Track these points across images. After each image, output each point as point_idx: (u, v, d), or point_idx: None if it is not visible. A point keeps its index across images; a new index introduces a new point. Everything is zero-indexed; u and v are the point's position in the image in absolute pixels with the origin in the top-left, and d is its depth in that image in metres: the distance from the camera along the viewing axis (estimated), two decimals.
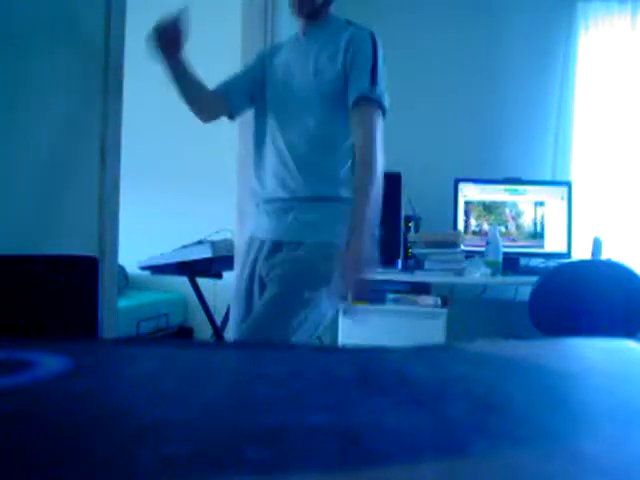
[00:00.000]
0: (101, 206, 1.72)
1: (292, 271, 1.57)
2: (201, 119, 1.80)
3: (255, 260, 1.69)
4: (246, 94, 1.79)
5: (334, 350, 0.76)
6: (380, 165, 1.54)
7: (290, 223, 1.64)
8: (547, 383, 0.56)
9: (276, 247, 1.66)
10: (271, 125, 1.70)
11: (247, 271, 1.71)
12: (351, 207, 1.53)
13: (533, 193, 3.10)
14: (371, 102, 1.58)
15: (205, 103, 1.76)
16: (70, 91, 1.64)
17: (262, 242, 1.69)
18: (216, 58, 3.68)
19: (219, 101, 1.77)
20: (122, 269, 3.53)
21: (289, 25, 2.64)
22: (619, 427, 0.44)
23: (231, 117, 1.82)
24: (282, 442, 0.39)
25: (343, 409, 0.47)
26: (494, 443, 0.40)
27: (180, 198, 3.94)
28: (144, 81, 3.70)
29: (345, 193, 1.64)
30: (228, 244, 2.94)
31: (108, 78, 1.73)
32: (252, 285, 1.69)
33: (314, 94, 1.63)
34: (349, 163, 1.66)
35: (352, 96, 1.58)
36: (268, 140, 1.70)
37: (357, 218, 1.49)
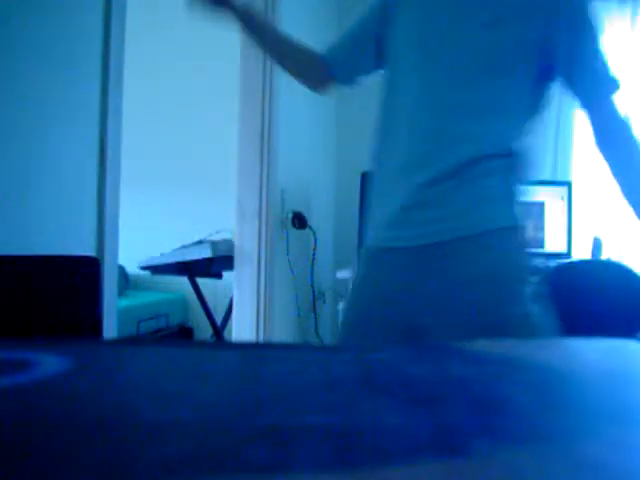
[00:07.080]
0: (101, 206, 1.72)
1: None
2: (310, 88, 1.44)
3: None
4: (360, 53, 1.35)
5: (334, 350, 0.76)
6: None
7: None
8: (547, 383, 0.56)
9: None
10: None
11: None
12: None
13: (533, 193, 3.10)
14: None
15: (303, 64, 1.40)
16: (69, 90, 1.64)
17: None
18: (215, 58, 3.69)
19: (315, 62, 1.38)
20: (122, 269, 3.53)
21: (289, 25, 2.64)
22: (619, 427, 0.44)
23: (343, 82, 1.39)
24: (282, 442, 0.39)
25: (343, 409, 0.46)
26: (494, 443, 0.40)
27: (180, 198, 3.94)
28: (144, 80, 3.70)
29: None
30: (228, 244, 2.94)
31: (108, 77, 1.73)
32: None
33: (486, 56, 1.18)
34: None
35: (602, 87, 1.27)
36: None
37: None
